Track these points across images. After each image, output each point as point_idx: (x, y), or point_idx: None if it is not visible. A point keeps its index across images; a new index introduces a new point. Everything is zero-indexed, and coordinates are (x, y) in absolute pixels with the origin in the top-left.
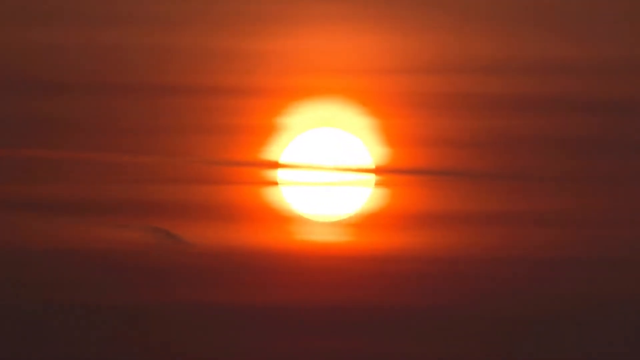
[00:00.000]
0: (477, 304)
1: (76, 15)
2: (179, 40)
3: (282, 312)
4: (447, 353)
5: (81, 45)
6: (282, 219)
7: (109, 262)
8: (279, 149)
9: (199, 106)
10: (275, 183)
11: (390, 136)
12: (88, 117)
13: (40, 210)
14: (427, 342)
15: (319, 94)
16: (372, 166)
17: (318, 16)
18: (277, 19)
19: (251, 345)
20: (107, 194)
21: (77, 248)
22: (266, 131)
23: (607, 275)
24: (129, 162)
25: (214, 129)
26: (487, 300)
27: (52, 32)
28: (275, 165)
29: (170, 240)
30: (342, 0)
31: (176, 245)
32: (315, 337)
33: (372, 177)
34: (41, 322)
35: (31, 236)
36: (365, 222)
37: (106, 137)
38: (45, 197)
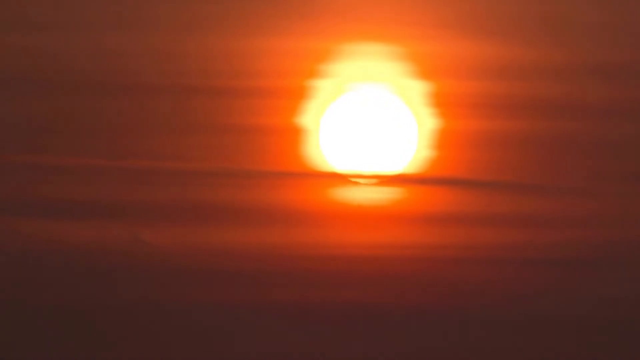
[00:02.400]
0: (485, 305)
1: (82, 20)
2: (184, 42)
3: (281, 313)
4: (454, 354)
5: (88, 49)
6: (288, 218)
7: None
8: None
9: (209, 107)
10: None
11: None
12: (98, 120)
13: (37, 213)
14: (432, 342)
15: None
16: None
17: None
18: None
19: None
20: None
21: (94, 249)
22: (289, 131)
23: (615, 276)
24: (131, 166)
25: (224, 129)
26: (494, 301)
27: (55, 36)
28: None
29: (139, 241)
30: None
31: (145, 246)
32: (315, 337)
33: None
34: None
35: (17, 238)
36: (380, 220)
37: (115, 141)
38: (44, 200)
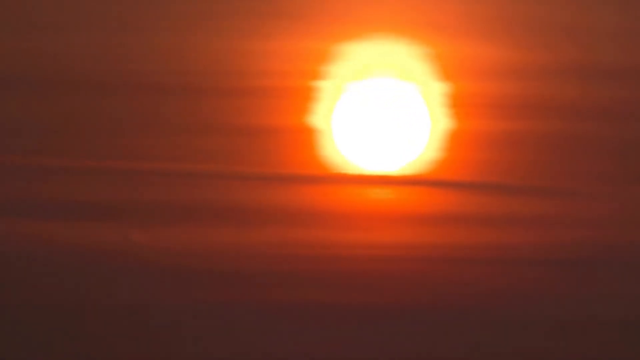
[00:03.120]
0: (490, 305)
1: (85, 20)
2: (192, 41)
3: (282, 313)
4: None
5: (91, 49)
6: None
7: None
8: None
9: (216, 107)
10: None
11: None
12: (104, 121)
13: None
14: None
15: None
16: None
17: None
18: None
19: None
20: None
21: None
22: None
23: (618, 277)
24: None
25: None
26: (499, 301)
27: (57, 36)
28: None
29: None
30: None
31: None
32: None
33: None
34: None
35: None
36: (386, 220)
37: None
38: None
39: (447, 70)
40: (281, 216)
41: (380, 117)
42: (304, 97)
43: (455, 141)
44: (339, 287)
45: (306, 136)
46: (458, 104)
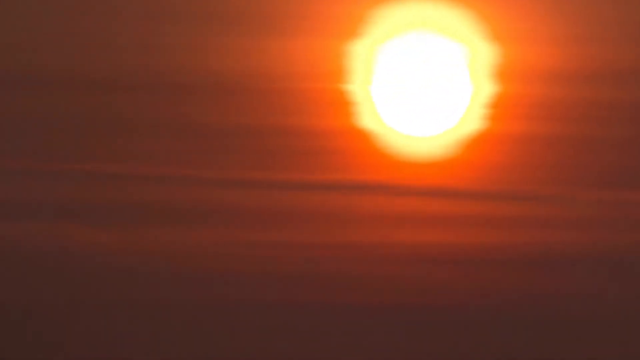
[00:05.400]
0: (485, 305)
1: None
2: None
3: (272, 312)
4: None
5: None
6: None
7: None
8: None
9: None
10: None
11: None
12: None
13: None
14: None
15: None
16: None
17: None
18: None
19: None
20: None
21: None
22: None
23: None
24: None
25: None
26: (496, 301)
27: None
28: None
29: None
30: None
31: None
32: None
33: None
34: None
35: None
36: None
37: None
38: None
39: (492, 71)
40: (285, 218)
41: (404, 114)
42: (331, 99)
43: (478, 143)
44: (342, 288)
45: (318, 138)
46: (497, 106)
